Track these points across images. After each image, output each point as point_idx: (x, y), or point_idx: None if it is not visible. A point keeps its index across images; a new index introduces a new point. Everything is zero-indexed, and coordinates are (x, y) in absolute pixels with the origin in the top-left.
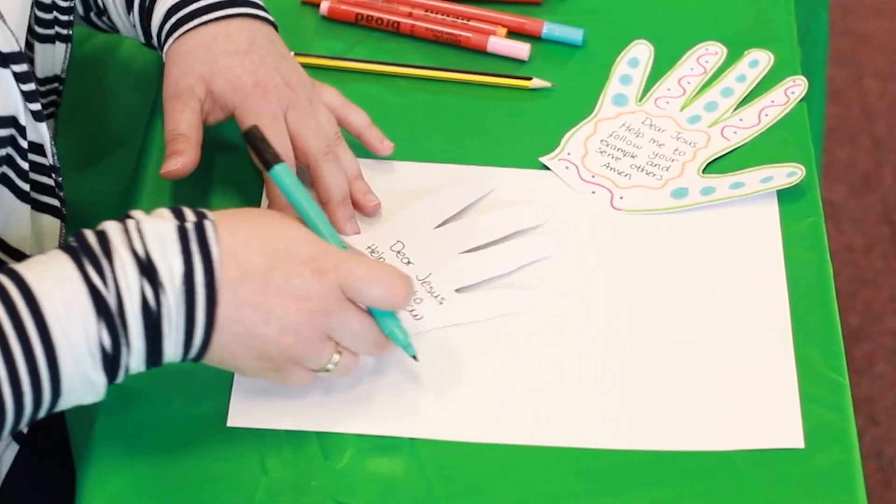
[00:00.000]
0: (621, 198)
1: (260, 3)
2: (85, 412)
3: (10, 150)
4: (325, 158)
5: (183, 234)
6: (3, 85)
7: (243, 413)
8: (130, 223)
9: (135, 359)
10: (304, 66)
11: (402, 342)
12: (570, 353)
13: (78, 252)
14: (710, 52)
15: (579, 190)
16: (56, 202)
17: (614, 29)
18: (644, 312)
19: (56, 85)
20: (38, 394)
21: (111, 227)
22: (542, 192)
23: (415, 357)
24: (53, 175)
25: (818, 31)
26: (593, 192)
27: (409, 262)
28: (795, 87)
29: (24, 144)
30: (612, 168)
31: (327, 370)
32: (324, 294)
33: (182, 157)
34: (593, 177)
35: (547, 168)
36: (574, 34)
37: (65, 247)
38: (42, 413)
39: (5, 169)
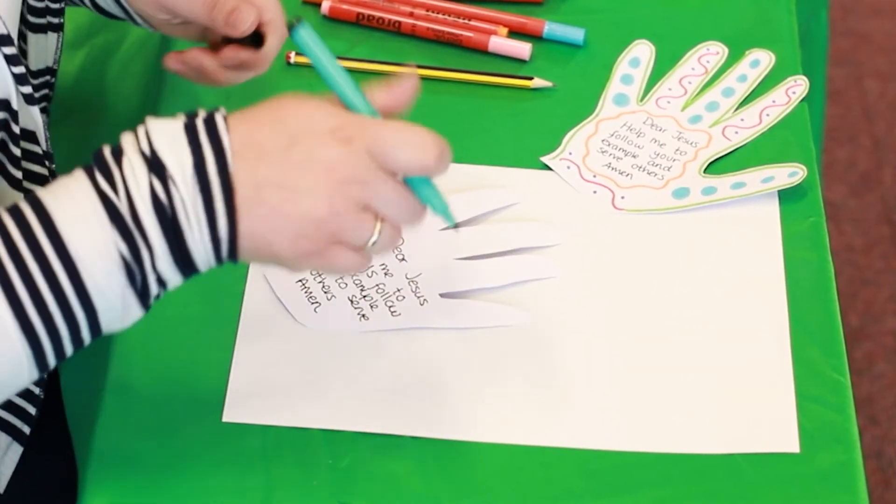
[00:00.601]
0: (623, 197)
1: None
2: (86, 412)
3: (2, 136)
4: None
5: (191, 128)
6: None
7: (240, 408)
8: (140, 127)
9: (161, 262)
10: (305, 65)
11: (440, 208)
12: (572, 353)
13: (92, 165)
14: (712, 52)
15: (581, 190)
16: None
17: (615, 29)
18: (646, 312)
19: (48, 77)
20: (69, 313)
21: (125, 137)
22: (543, 192)
23: (456, 226)
24: (47, 163)
25: (818, 31)
26: (595, 192)
27: (402, 259)
28: (796, 87)
29: (17, 130)
30: (613, 168)
31: (373, 244)
32: (352, 162)
33: (242, 12)
34: (595, 176)
35: (548, 168)
36: (575, 34)
37: (85, 165)
38: (85, 334)
39: None
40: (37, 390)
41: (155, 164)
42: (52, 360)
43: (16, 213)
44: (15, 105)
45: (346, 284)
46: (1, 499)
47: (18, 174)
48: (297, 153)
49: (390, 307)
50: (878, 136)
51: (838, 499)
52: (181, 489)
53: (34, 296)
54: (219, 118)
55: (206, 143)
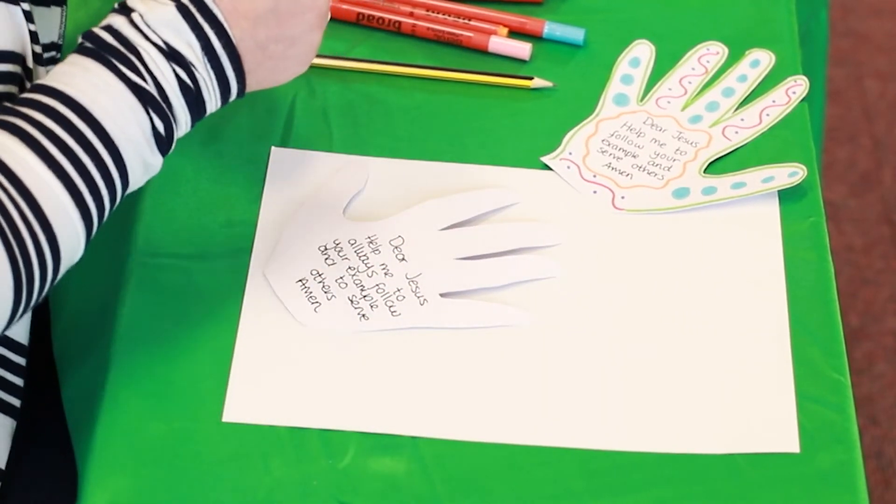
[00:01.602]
0: (623, 197)
1: None
2: (86, 412)
3: (18, 93)
4: None
5: (186, 13)
6: (13, 20)
7: (240, 408)
8: (136, 17)
9: (182, 129)
10: None
11: None
12: (572, 353)
13: (101, 53)
14: (712, 52)
15: (581, 190)
16: None
17: (615, 29)
18: (646, 312)
19: (54, 53)
20: (113, 193)
21: (120, 23)
22: (543, 192)
23: None
24: None
25: (818, 31)
26: (595, 192)
27: (403, 259)
28: (797, 87)
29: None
30: (613, 168)
31: None
32: None
33: None
34: (595, 176)
35: (548, 168)
36: (575, 34)
37: (83, 50)
38: (119, 196)
39: None
40: (21, 360)
41: (173, 55)
42: (96, 227)
43: (51, 112)
44: (30, 63)
45: (347, 284)
46: (1, 494)
47: None
48: (284, 4)
49: (390, 307)
50: (878, 136)
51: (838, 499)
52: (181, 489)
53: (88, 181)
54: None
55: (205, 24)
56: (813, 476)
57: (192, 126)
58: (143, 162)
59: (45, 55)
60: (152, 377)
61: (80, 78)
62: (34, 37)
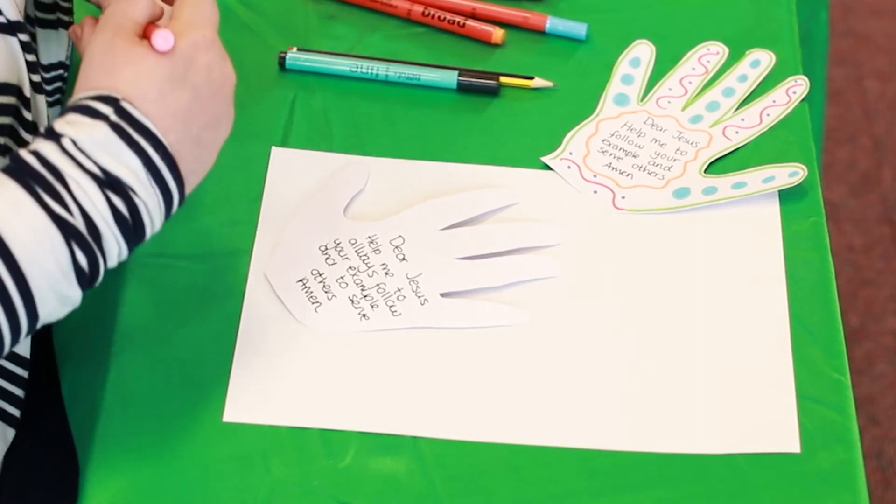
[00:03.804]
0: (623, 197)
1: None
2: (87, 413)
3: (14, 123)
4: None
5: (119, 130)
6: (9, 52)
7: (240, 408)
8: (67, 143)
9: (112, 260)
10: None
11: None
12: (572, 352)
13: (25, 177)
14: (712, 52)
15: (581, 189)
16: None
17: (616, 28)
18: (646, 312)
19: (61, 71)
20: (16, 323)
21: (48, 150)
22: (543, 192)
23: None
24: None
25: (818, 31)
26: (595, 192)
27: (403, 259)
28: (797, 87)
29: (29, 117)
30: (613, 168)
31: None
32: (222, 55)
33: None
34: (595, 176)
35: (549, 168)
36: (578, 28)
37: (6, 170)
38: (23, 336)
39: (6, 140)
40: (23, 372)
41: (109, 181)
42: (8, 342)
43: None
44: (27, 93)
45: (347, 284)
46: (1, 498)
47: None
48: (203, 89)
49: (391, 307)
50: (878, 136)
51: (838, 499)
52: (181, 489)
53: None
54: (130, 109)
55: (140, 140)
56: (813, 476)
57: (129, 250)
58: (57, 294)
59: (52, 74)
60: (152, 377)
61: (1, 198)
62: (32, 67)
